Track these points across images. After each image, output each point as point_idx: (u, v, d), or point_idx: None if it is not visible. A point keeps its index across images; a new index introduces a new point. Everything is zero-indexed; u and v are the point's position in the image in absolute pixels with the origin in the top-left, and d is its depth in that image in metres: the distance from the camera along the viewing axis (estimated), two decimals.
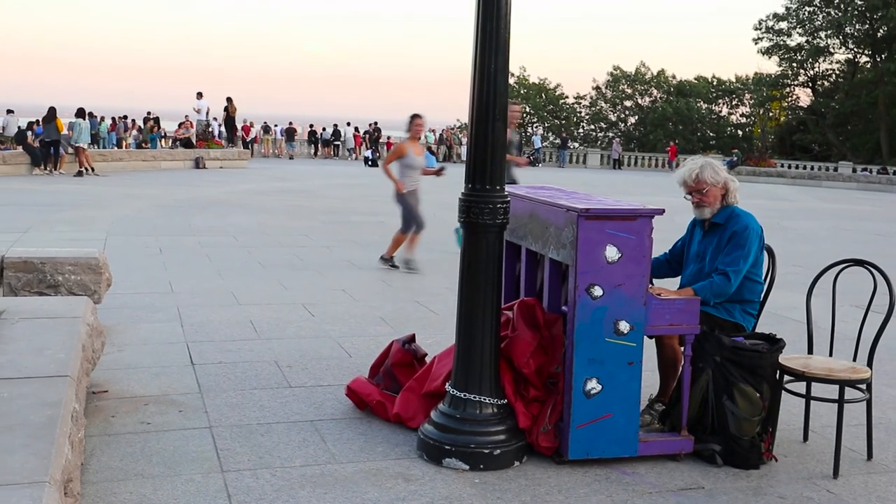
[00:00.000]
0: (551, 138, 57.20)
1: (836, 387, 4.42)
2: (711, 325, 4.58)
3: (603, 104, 60.83)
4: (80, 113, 25.69)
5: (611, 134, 60.42)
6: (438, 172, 10.74)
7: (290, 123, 44.13)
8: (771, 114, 55.88)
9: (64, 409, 3.25)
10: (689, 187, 4.82)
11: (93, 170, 24.65)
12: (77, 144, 24.48)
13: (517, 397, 4.47)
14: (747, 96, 58.41)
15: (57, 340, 4.23)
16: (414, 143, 9.97)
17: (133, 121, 39.97)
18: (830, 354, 4.79)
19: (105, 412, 4.85)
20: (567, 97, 60.99)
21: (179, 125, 33.06)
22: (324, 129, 45.06)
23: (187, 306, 7.66)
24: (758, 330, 4.84)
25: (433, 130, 46.28)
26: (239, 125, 36.83)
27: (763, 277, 4.87)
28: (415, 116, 10.04)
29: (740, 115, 59.89)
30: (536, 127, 59.65)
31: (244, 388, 5.38)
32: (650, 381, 5.01)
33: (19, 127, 29.62)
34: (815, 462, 4.58)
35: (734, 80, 59.05)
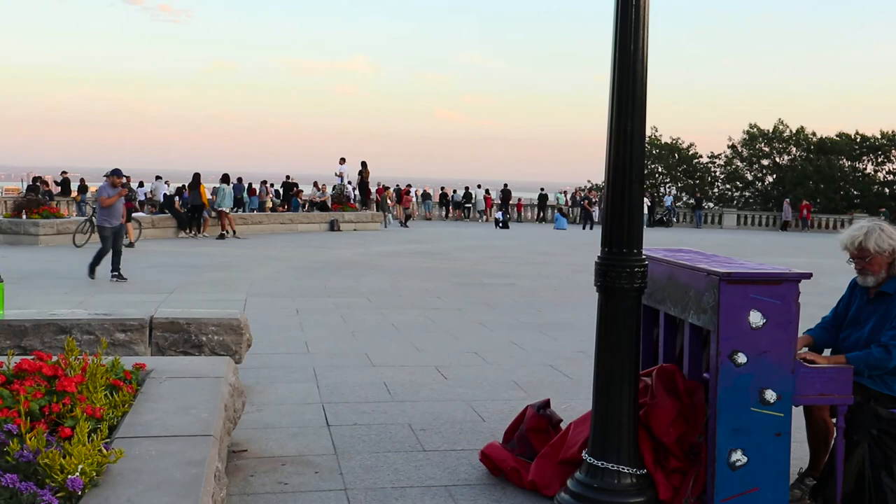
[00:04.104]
0: (685, 198, 56.05)
1: None
2: (866, 396, 4.31)
3: (739, 163, 59.29)
4: (225, 178, 26.93)
5: (747, 193, 58.76)
6: None
7: (426, 188, 45.29)
8: None
9: (207, 469, 3.31)
10: (852, 253, 4.54)
11: (234, 233, 25.68)
12: (220, 208, 25.60)
13: (657, 467, 4.31)
14: (895, 152, 55.84)
15: (201, 400, 4.35)
16: None
17: (272, 185, 41.52)
18: None
19: (244, 471, 4.94)
20: (700, 156, 59.85)
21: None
22: (454, 192, 45.69)
23: (323, 367, 7.80)
24: None
25: (564, 192, 46.19)
26: (372, 189, 37.82)
27: None
28: None
29: (887, 173, 57.21)
30: (669, 187, 58.61)
31: (378, 451, 5.39)
32: (799, 454, 4.75)
33: (166, 192, 31.25)
34: None
35: (879, 135, 56.60)
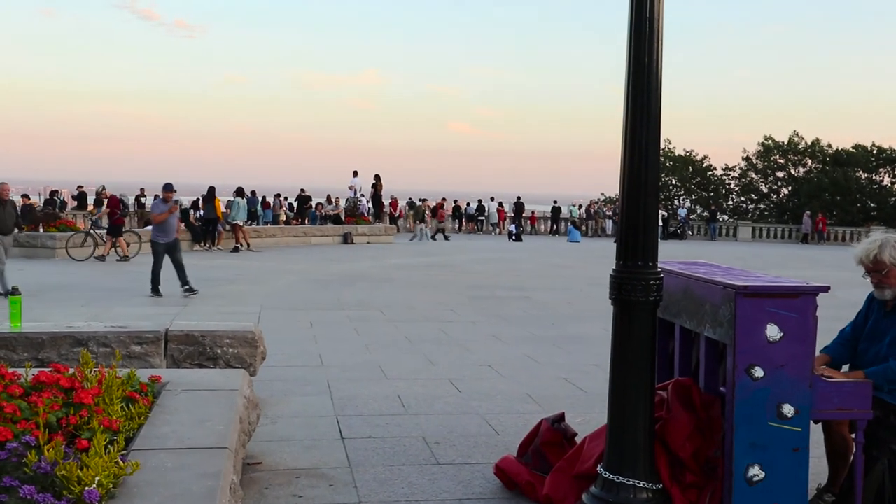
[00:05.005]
0: (699, 210, 55.88)
1: None
2: (886, 411, 4.27)
3: (753, 175, 59.05)
4: (239, 192, 27.03)
5: (762, 205, 58.55)
6: None
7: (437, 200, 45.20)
8: None
9: (223, 481, 3.32)
10: (867, 267, 4.48)
11: (248, 245, 25.75)
12: (234, 221, 25.69)
13: (673, 482, 4.28)
14: None
15: (216, 412, 4.35)
16: None
17: (286, 198, 41.63)
18: None
19: (259, 484, 4.94)
20: (715, 168, 59.68)
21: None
22: (468, 204, 45.68)
23: (337, 380, 7.80)
24: None
25: (579, 205, 46.11)
26: (386, 201, 37.84)
27: None
28: None
29: None
30: (683, 199, 58.45)
31: (393, 464, 5.38)
32: (818, 469, 4.71)
33: (181, 205, 31.37)
34: None
35: None
